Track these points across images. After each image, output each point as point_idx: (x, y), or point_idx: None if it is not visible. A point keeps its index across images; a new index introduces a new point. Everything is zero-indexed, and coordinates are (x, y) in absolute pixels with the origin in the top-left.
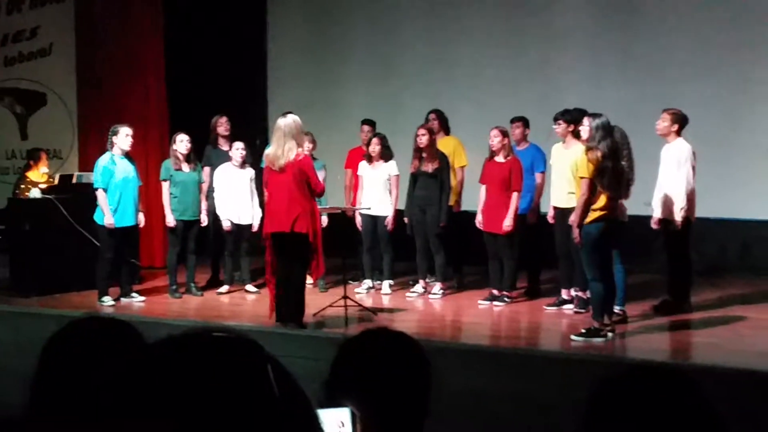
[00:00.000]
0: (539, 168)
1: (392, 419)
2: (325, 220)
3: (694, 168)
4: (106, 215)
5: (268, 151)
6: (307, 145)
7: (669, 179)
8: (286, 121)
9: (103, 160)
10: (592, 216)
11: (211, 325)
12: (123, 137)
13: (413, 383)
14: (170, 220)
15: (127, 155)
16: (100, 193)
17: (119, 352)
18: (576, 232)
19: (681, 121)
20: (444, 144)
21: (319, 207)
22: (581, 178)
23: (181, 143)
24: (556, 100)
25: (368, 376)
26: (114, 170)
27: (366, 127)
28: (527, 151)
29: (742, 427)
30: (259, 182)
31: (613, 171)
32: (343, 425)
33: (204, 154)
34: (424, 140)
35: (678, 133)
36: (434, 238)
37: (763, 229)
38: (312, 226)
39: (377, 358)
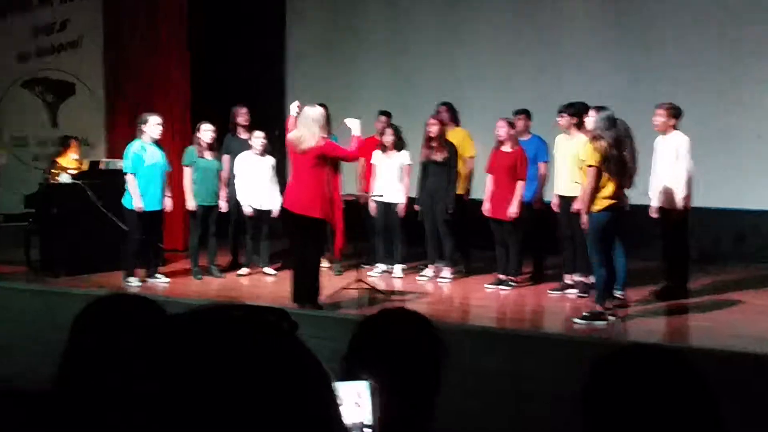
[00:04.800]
0: (542, 158)
1: (407, 392)
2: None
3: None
4: (135, 199)
5: (293, 133)
6: None
7: (667, 170)
8: (314, 109)
9: (133, 147)
10: (600, 204)
11: (232, 303)
12: (153, 125)
13: (427, 359)
14: (191, 205)
15: (156, 142)
16: (129, 178)
17: (144, 327)
18: (584, 218)
19: (676, 114)
20: (453, 135)
21: None
22: (588, 166)
23: (206, 132)
24: (558, 93)
25: (385, 352)
26: (143, 156)
27: (383, 118)
28: (530, 142)
29: (734, 406)
30: (279, 169)
31: (618, 159)
32: (360, 396)
33: (223, 142)
34: (434, 130)
35: (674, 126)
36: (443, 224)
37: (758, 218)
38: (329, 212)
39: (394, 335)
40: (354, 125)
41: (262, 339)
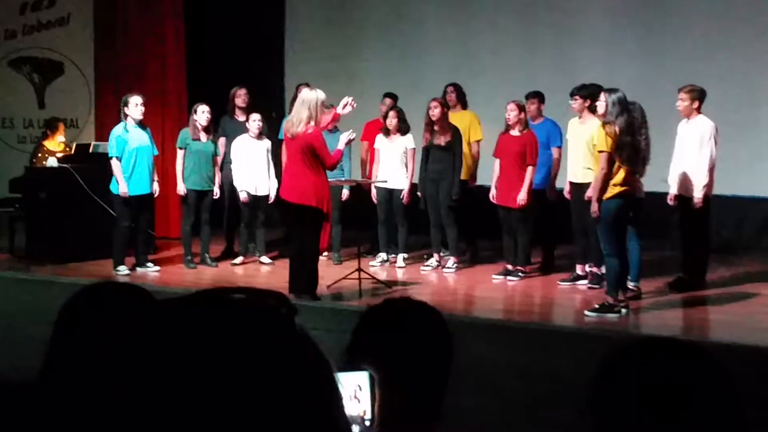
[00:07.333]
0: (555, 143)
1: (412, 386)
2: (346, 193)
3: (717, 144)
4: (120, 184)
5: (289, 117)
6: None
7: (689, 156)
8: (308, 93)
9: (116, 130)
10: (611, 191)
11: (231, 287)
12: (133, 107)
13: (434, 352)
14: (181, 189)
15: (141, 124)
16: (114, 162)
17: (134, 317)
18: (595, 206)
19: (700, 97)
20: (460, 118)
21: (335, 180)
22: (600, 152)
23: (203, 114)
24: (573, 75)
25: (389, 343)
26: (127, 139)
27: (387, 100)
28: (542, 126)
29: (755, 404)
30: (275, 153)
31: (631, 146)
32: (360, 388)
33: (219, 124)
34: (436, 113)
35: (698, 109)
36: (446, 211)
37: None
38: (320, 198)
39: (399, 326)
40: (342, 138)
41: (264, 325)
